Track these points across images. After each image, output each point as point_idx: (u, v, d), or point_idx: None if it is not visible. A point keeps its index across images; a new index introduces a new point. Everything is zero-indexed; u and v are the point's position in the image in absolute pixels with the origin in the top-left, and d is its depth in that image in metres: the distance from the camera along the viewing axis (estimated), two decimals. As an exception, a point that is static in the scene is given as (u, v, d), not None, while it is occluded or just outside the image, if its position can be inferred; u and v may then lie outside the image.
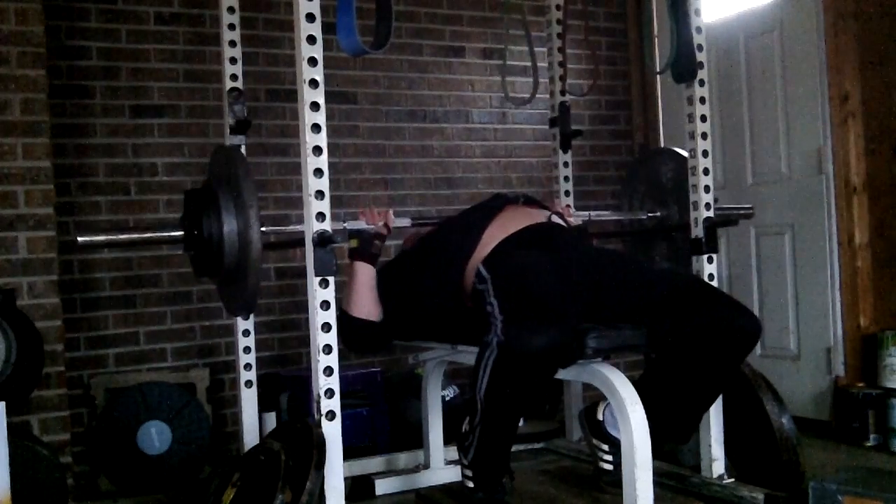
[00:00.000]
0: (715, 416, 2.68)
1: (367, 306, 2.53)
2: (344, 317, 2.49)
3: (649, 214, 3.09)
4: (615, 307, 2.33)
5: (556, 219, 2.65)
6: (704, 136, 2.76)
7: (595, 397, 2.46)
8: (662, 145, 4.18)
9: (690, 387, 2.33)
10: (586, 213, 3.10)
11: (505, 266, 2.37)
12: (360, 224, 2.58)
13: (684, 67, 2.72)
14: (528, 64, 3.14)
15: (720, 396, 2.63)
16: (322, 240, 2.17)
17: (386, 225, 2.60)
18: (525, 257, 2.39)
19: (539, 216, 2.60)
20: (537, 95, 3.21)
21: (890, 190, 3.41)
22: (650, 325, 2.27)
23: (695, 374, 2.29)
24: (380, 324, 2.56)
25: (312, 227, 2.18)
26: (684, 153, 2.84)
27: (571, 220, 2.88)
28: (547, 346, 2.09)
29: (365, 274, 2.53)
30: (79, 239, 2.32)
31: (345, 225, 2.53)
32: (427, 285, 2.56)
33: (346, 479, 2.30)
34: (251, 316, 2.82)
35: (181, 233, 2.37)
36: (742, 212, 3.07)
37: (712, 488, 2.66)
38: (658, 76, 4.25)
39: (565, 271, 2.36)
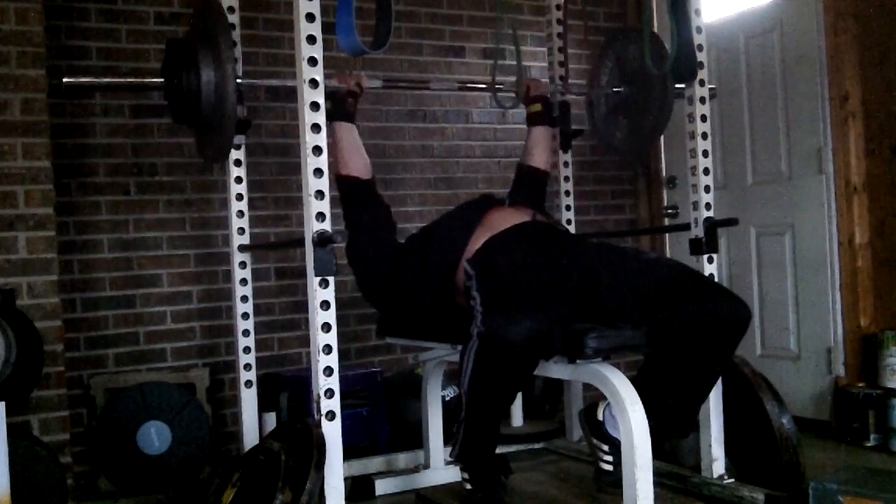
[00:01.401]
0: (715, 416, 2.68)
1: (354, 162, 2.64)
2: (339, 180, 2.63)
3: (614, 89, 3.09)
4: (606, 298, 2.35)
5: (540, 217, 2.69)
6: (704, 136, 2.76)
7: (595, 397, 2.45)
8: (662, 144, 4.17)
9: (685, 378, 2.33)
10: (553, 85, 3.17)
11: (489, 262, 2.42)
12: (333, 84, 2.64)
13: (684, 67, 2.72)
14: (527, 64, 3.14)
15: (719, 393, 2.63)
16: (322, 240, 2.17)
17: (359, 84, 2.69)
18: (508, 253, 2.44)
19: (525, 215, 2.63)
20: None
21: (890, 190, 3.41)
22: (643, 315, 2.28)
23: (688, 364, 2.30)
24: (371, 181, 2.70)
25: (312, 227, 2.18)
26: (657, 34, 2.83)
27: (542, 88, 3.00)
28: (525, 335, 2.13)
29: (346, 131, 2.65)
30: (64, 80, 2.46)
31: None
32: (422, 285, 2.58)
33: (346, 479, 2.30)
34: (251, 316, 2.82)
35: (161, 80, 2.44)
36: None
37: (712, 488, 2.66)
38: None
39: (549, 264, 2.40)
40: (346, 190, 2.67)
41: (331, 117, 2.59)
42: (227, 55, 2.33)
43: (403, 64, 3.93)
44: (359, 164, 2.65)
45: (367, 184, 2.69)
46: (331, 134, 2.54)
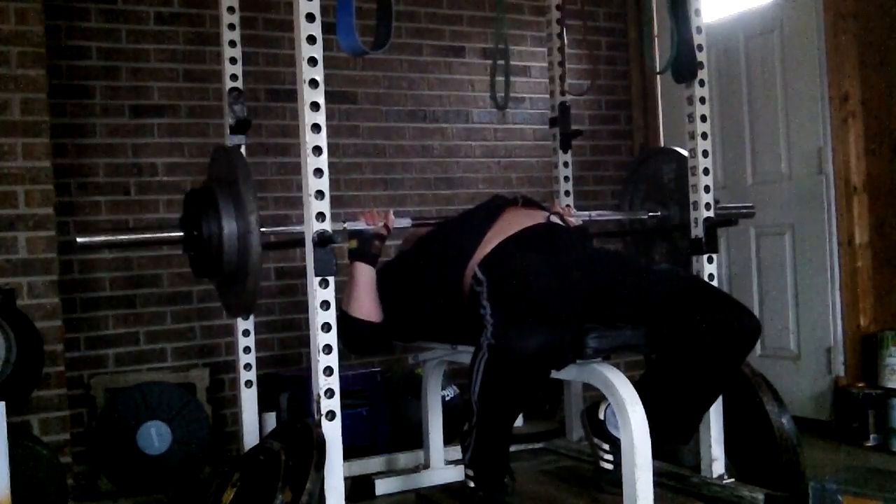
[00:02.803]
0: (715, 416, 2.68)
1: (367, 307, 2.55)
2: (344, 317, 2.50)
3: (650, 214, 3.08)
4: (615, 308, 2.33)
5: (554, 219, 2.65)
6: (704, 136, 2.75)
7: (595, 397, 2.46)
8: (662, 145, 4.18)
9: (691, 387, 2.33)
10: (587, 213, 3.09)
11: (501, 268, 2.37)
12: (360, 224, 2.59)
13: (684, 67, 2.72)
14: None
15: (720, 396, 2.63)
16: (322, 240, 2.17)
17: (386, 226, 2.61)
18: (521, 259, 2.39)
19: (538, 217, 2.59)
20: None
21: (890, 190, 3.41)
22: (651, 325, 2.27)
23: (695, 374, 2.29)
24: (380, 325, 2.57)
25: (312, 227, 2.18)
26: (685, 152, 2.84)
27: (572, 220, 2.87)
28: (537, 348, 2.09)
29: (365, 274, 2.55)
30: (78, 240, 2.33)
31: (345, 226, 2.53)
32: (427, 286, 2.56)
33: (346, 479, 2.30)
34: (251, 316, 2.82)
35: (181, 234, 2.37)
36: (744, 211, 3.06)
37: (712, 488, 2.66)
38: (658, 76, 4.25)
39: (562, 273, 2.35)
40: (352, 327, 2.54)
41: (353, 257, 2.56)
42: (249, 203, 2.23)
43: (403, 64, 3.93)
44: (372, 309, 2.55)
45: (378, 327, 2.57)
46: (349, 273, 2.54)
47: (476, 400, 2.27)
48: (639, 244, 3.22)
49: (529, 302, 2.21)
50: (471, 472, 2.46)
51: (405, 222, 2.77)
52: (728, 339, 2.23)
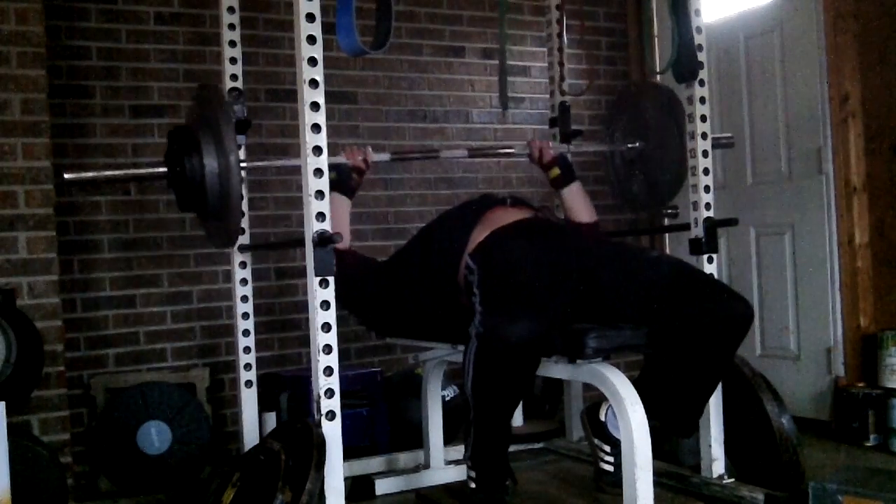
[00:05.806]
0: (715, 416, 2.68)
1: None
2: None
3: (629, 146, 3.07)
4: (607, 298, 2.35)
5: (542, 215, 2.69)
6: (704, 136, 2.75)
7: (595, 397, 2.46)
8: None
9: (688, 376, 2.34)
10: (565, 146, 3.10)
11: (490, 257, 2.41)
12: (340, 159, 2.65)
13: (685, 67, 2.72)
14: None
15: (720, 392, 2.63)
16: (322, 240, 2.17)
17: (365, 160, 2.68)
18: (510, 248, 2.44)
19: (526, 213, 2.63)
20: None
21: (890, 190, 3.41)
22: (645, 315, 2.28)
23: (692, 363, 2.30)
24: (344, 252, 2.62)
25: (312, 227, 2.18)
26: (667, 87, 2.81)
27: (551, 152, 2.89)
28: (524, 335, 2.13)
29: (339, 203, 2.61)
30: (65, 176, 2.38)
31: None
32: (422, 283, 2.59)
33: (346, 479, 2.30)
34: (251, 316, 2.83)
35: (164, 170, 2.40)
36: (724, 141, 3.00)
37: (712, 488, 2.66)
38: (658, 76, 4.24)
39: (551, 262, 2.39)
40: None
41: (331, 188, 2.58)
42: (229, 143, 2.28)
43: (403, 64, 3.93)
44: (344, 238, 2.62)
45: (343, 254, 2.61)
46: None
47: (470, 392, 2.30)
48: (622, 177, 3.19)
49: (515, 290, 2.25)
50: (472, 473, 2.47)
51: (384, 157, 2.87)
52: (722, 326, 2.24)
